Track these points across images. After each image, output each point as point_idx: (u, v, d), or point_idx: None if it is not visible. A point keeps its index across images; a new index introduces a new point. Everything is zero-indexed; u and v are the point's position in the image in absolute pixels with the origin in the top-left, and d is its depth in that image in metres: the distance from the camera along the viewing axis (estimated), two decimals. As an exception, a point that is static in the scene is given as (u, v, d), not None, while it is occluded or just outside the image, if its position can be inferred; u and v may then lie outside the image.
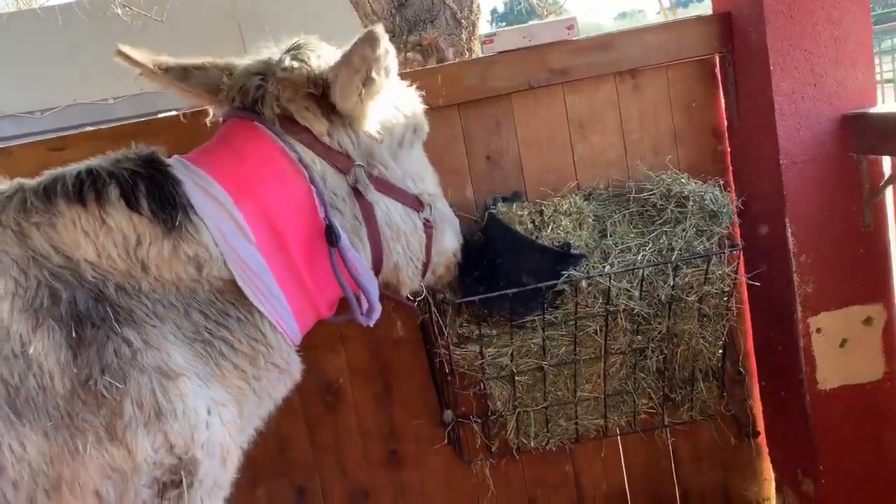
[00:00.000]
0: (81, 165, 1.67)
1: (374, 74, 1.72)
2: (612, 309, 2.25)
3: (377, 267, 1.94)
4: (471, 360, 2.32)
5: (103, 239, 1.58)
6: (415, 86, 2.08)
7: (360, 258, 1.84)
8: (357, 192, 1.84)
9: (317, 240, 1.76)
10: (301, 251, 1.76)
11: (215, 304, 1.68)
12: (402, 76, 2.50)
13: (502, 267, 2.19)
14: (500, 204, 2.35)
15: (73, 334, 1.48)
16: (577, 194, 2.43)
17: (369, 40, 1.66)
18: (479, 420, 2.51)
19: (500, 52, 2.45)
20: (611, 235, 2.35)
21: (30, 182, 1.64)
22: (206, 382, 1.63)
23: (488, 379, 2.35)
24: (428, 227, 2.03)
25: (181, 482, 1.55)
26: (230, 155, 1.78)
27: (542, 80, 2.47)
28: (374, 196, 1.87)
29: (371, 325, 1.93)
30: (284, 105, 1.79)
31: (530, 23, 3.01)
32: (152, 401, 1.51)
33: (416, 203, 1.99)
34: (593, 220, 2.36)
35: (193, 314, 1.65)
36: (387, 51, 1.72)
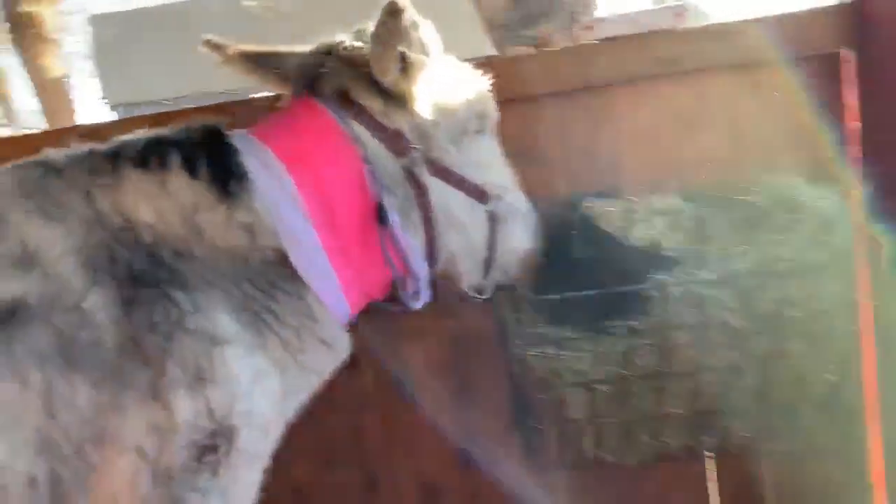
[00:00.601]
0: (150, 133, 1.72)
1: (405, 48, 1.69)
2: (705, 320, 2.07)
3: (431, 253, 1.89)
4: (546, 363, 2.19)
5: (162, 203, 1.62)
6: (490, 74, 1.98)
7: (410, 241, 1.81)
8: (412, 176, 1.80)
9: (368, 218, 1.75)
10: (352, 228, 1.76)
11: (265, 275, 1.68)
12: (495, 62, 2.41)
13: (585, 266, 2.06)
14: (589, 199, 2.21)
15: (127, 293, 1.52)
16: (676, 194, 2.24)
17: (390, 11, 1.63)
18: (553, 427, 2.37)
19: (601, 40, 2.31)
20: (712, 241, 2.16)
21: (101, 146, 1.69)
22: (250, 351, 1.63)
23: (565, 385, 2.21)
24: (492, 219, 1.95)
25: (219, 448, 1.55)
26: (288, 129, 1.81)
27: (646, 71, 2.30)
28: (429, 181, 1.83)
29: (417, 308, 1.90)
30: (343, 84, 1.80)
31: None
32: (195, 364, 1.53)
33: (478, 193, 1.92)
34: (692, 223, 2.17)
35: (243, 283, 1.66)
36: (414, 23, 1.70)
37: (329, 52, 1.83)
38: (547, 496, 2.55)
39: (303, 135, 1.79)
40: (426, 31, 1.77)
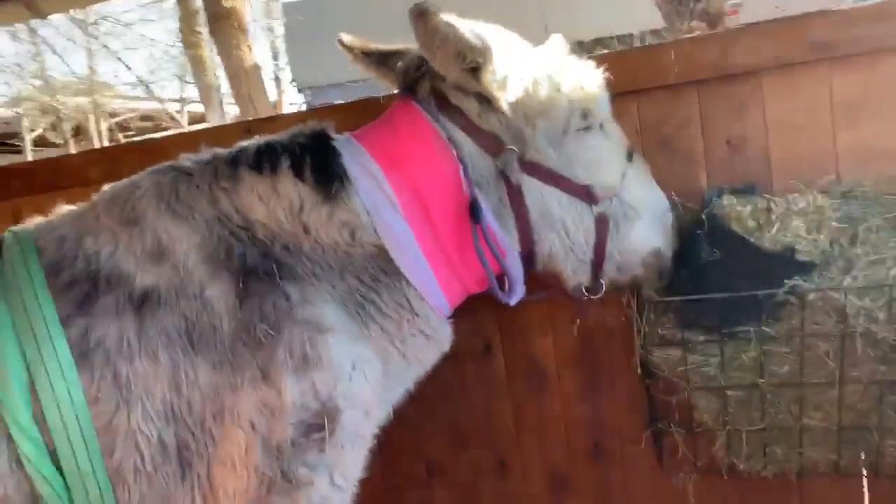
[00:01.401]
0: (264, 139, 1.89)
1: (454, 50, 1.73)
2: (848, 330, 1.90)
3: (527, 252, 1.92)
4: (672, 366, 2.12)
5: (274, 203, 1.77)
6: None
7: (504, 238, 1.85)
8: (505, 176, 1.83)
9: (463, 216, 1.81)
10: (447, 225, 1.82)
11: (368, 270, 1.81)
12: (629, 54, 2.33)
13: (714, 268, 1.96)
14: (725, 196, 2.09)
15: (241, 285, 1.68)
16: (819, 191, 2.06)
17: (416, 17, 1.71)
18: (681, 430, 2.29)
19: (747, 24, 2.15)
20: (862, 243, 1.97)
21: (222, 152, 1.88)
22: (353, 340, 1.76)
23: (693, 389, 2.13)
24: (602, 221, 1.92)
25: (324, 426, 1.68)
26: (387, 130, 1.90)
27: (797, 57, 2.12)
28: (524, 181, 1.86)
29: (511, 304, 1.93)
30: (439, 86, 1.87)
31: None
32: (302, 350, 1.66)
33: (583, 194, 1.90)
34: (840, 224, 1.99)
35: (348, 277, 1.79)
36: (448, 23, 1.70)
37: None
38: (676, 498, 2.48)
39: (399, 137, 1.87)
40: (468, 29, 1.74)
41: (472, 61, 1.76)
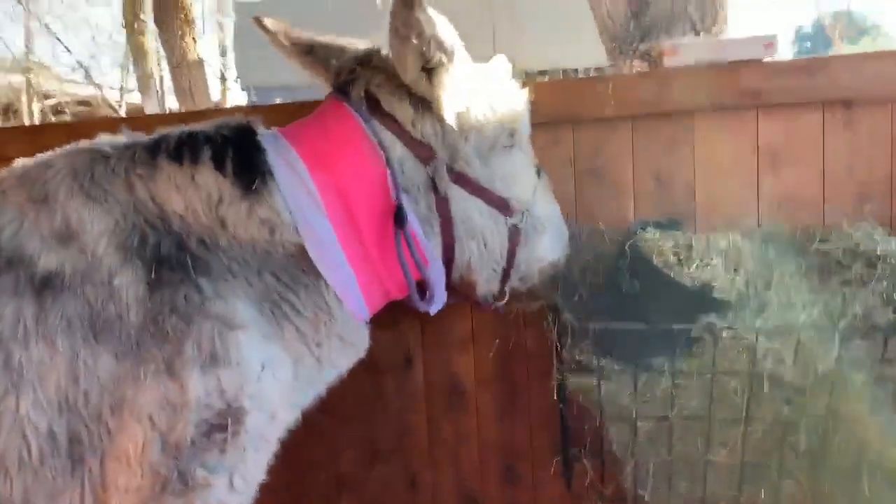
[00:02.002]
0: (187, 128, 1.82)
1: (423, 46, 1.72)
2: (757, 370, 1.96)
3: (448, 260, 1.93)
4: (587, 392, 2.14)
5: (191, 194, 1.70)
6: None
7: (427, 245, 1.86)
8: (434, 184, 1.84)
9: (388, 221, 1.79)
10: (371, 229, 1.80)
11: (287, 269, 1.76)
12: (567, 83, 2.37)
13: (633, 299, 1.99)
14: (649, 229, 2.13)
15: (153, 274, 1.61)
16: (740, 233, 2.13)
17: (403, 2, 1.67)
18: (591, 458, 2.31)
19: (684, 66, 2.22)
20: (776, 287, 2.03)
21: (143, 138, 1.81)
22: (265, 339, 1.71)
23: (604, 417, 2.16)
24: (514, 232, 1.98)
25: (227, 427, 1.62)
26: (316, 129, 1.88)
27: (728, 102, 2.20)
28: (451, 190, 1.88)
29: (431, 313, 1.96)
30: (373, 90, 1.86)
31: (722, 37, 2.69)
32: (210, 346, 1.60)
33: (503, 206, 1.95)
34: (757, 266, 2.06)
35: (266, 275, 1.73)
36: (429, 18, 1.70)
37: (364, 58, 1.90)
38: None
39: (328, 137, 1.84)
40: (445, 28, 1.75)
41: (438, 60, 1.76)
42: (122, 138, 1.83)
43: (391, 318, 2.03)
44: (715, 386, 2.02)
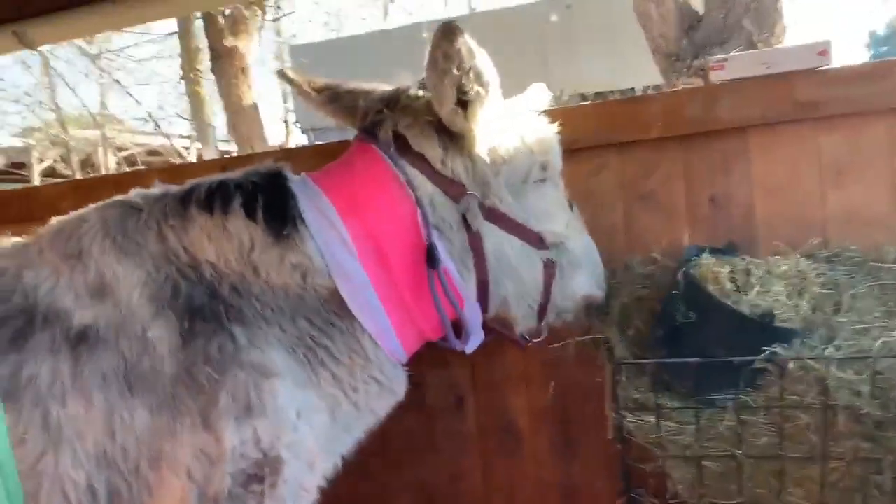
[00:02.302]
0: (218, 177, 1.83)
1: (463, 77, 1.68)
2: (830, 403, 1.79)
3: (483, 297, 1.90)
4: (646, 432, 2.01)
5: (223, 243, 1.71)
6: (557, 122, 1.96)
7: (462, 284, 1.82)
8: (467, 221, 1.81)
9: (421, 262, 1.76)
10: (404, 271, 1.78)
11: (321, 314, 1.74)
12: (613, 105, 2.28)
13: (689, 330, 1.86)
14: (704, 255, 2.00)
15: (186, 325, 1.61)
16: (804, 254, 1.98)
17: (445, 32, 1.64)
18: (655, 501, 2.17)
19: (733, 80, 2.10)
20: (846, 311, 1.87)
21: (175, 188, 1.82)
22: (300, 386, 1.69)
23: (667, 457, 2.01)
24: (549, 266, 1.94)
25: (265, 478, 1.60)
26: (345, 173, 1.86)
27: (783, 115, 2.06)
28: (484, 227, 1.84)
29: (467, 352, 1.90)
30: (401, 131, 1.84)
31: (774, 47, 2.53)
32: (245, 396, 1.59)
33: (537, 241, 1.91)
34: (824, 289, 1.90)
35: (300, 320, 1.72)
36: (470, 50, 1.66)
37: (391, 100, 1.87)
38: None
39: (357, 180, 1.83)
40: (484, 62, 1.71)
41: (476, 93, 1.72)
42: (154, 190, 1.84)
43: (441, 358, 1.98)
44: (785, 421, 1.86)
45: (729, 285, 1.88)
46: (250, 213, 1.73)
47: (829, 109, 2.04)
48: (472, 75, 1.69)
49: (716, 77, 2.11)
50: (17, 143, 17.52)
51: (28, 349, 1.57)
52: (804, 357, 1.77)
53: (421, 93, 1.85)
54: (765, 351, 1.79)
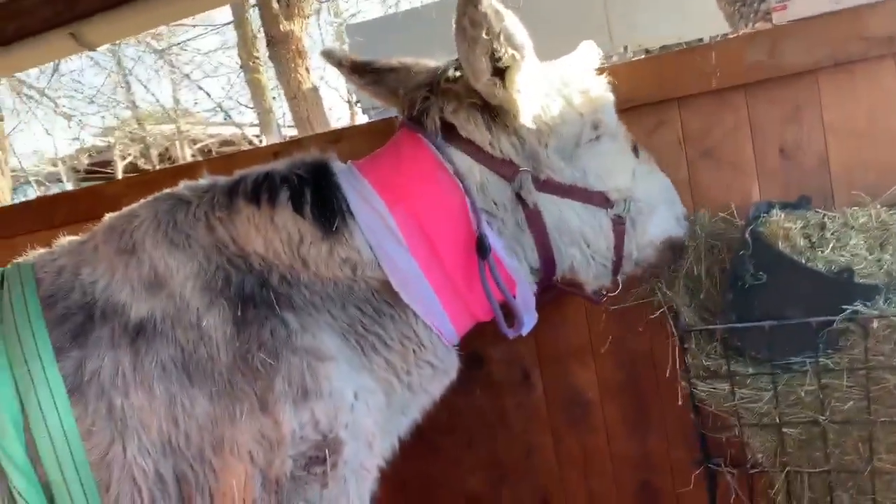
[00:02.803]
0: (264, 168, 1.83)
1: (494, 43, 1.62)
2: (922, 362, 1.66)
3: (548, 270, 1.89)
4: (720, 400, 1.91)
5: (271, 235, 1.71)
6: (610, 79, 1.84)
7: (516, 269, 1.79)
8: (521, 199, 1.77)
9: (471, 248, 1.74)
10: (454, 258, 1.76)
11: (371, 302, 1.75)
12: (664, 58, 2.16)
13: (760, 292, 1.75)
14: (774, 211, 1.87)
15: (239, 313, 1.63)
16: (885, 204, 1.82)
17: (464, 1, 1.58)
18: (733, 471, 2.07)
19: (796, 20, 1.94)
20: (934, 262, 1.72)
21: (222, 180, 1.83)
22: (355, 369, 1.70)
23: (744, 425, 1.91)
24: (618, 224, 1.87)
25: (326, 459, 1.62)
26: (392, 163, 1.84)
27: (856, 54, 1.90)
28: (540, 199, 1.80)
29: (523, 334, 1.87)
30: (447, 117, 1.80)
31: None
32: (300, 379, 1.61)
33: (601, 201, 1.84)
34: (909, 240, 1.75)
35: (350, 308, 1.73)
36: (497, 12, 1.59)
37: (432, 84, 1.82)
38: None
39: (404, 170, 1.81)
40: (514, 23, 1.64)
41: (510, 57, 1.66)
42: (202, 182, 1.86)
43: (503, 334, 1.91)
44: (872, 383, 1.73)
45: (802, 242, 1.75)
46: (297, 208, 1.74)
47: (908, 43, 1.86)
48: (502, 38, 1.63)
49: (779, 18, 1.96)
50: (99, 142, 18.25)
51: (89, 344, 1.62)
52: (889, 314, 1.64)
53: (458, 73, 1.79)
54: (845, 310, 1.66)
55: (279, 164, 1.85)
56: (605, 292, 2.04)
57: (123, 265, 1.71)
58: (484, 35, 1.62)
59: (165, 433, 1.59)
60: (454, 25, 1.65)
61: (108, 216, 1.85)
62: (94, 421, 1.57)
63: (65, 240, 1.87)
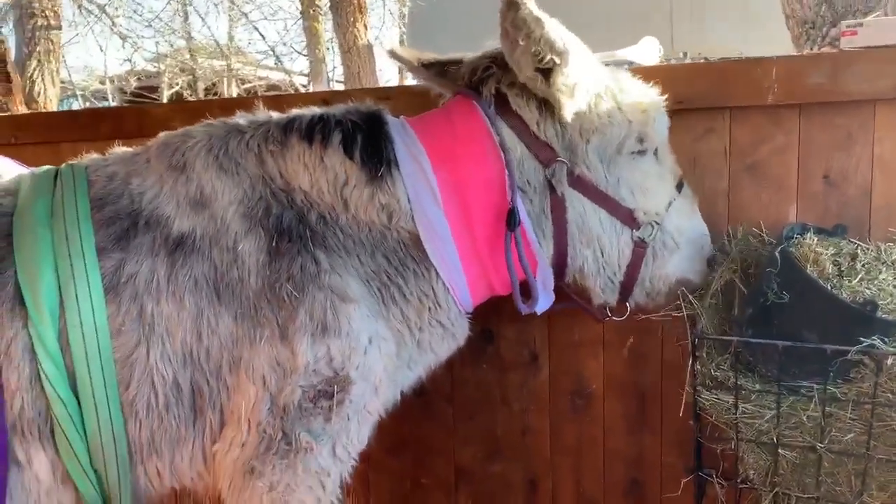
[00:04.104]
0: (320, 110, 1.90)
1: (534, 46, 1.67)
2: (929, 407, 1.66)
3: (560, 264, 1.92)
4: (721, 411, 1.92)
5: (318, 174, 1.79)
6: (665, 79, 1.87)
7: (538, 248, 1.83)
8: (552, 186, 1.81)
9: (501, 221, 1.78)
10: (484, 226, 1.81)
11: (398, 254, 1.81)
12: (725, 65, 2.15)
13: (781, 311, 1.75)
14: (808, 234, 1.86)
15: (273, 243, 1.71)
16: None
17: (509, 4, 1.65)
18: (723, 484, 2.08)
19: (865, 48, 1.92)
20: (962, 310, 1.71)
21: (277, 116, 1.90)
22: (373, 315, 1.76)
23: (742, 440, 1.93)
24: (639, 247, 1.89)
25: (333, 395, 1.69)
26: (443, 125, 1.89)
27: (921, 89, 1.88)
28: (568, 193, 1.85)
29: (537, 312, 1.91)
30: (503, 89, 1.86)
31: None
32: (322, 315, 1.68)
33: (627, 217, 1.87)
34: (939, 284, 1.74)
35: (378, 256, 1.80)
36: (537, 18, 1.64)
37: (497, 57, 1.86)
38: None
39: (454, 132, 1.85)
40: (555, 29, 1.69)
41: (550, 61, 1.72)
42: (259, 115, 1.93)
43: (519, 315, 1.94)
44: (875, 419, 1.74)
45: (831, 268, 1.75)
46: (348, 150, 1.79)
47: (974, 87, 1.84)
48: (542, 43, 1.68)
49: (847, 43, 1.94)
50: (150, 67, 18.40)
51: (131, 248, 1.70)
52: (907, 354, 1.63)
53: None
54: (862, 342, 1.67)
55: (334, 109, 1.90)
56: (610, 312, 2.06)
57: (173, 181, 1.78)
58: (522, 40, 1.68)
59: (188, 344, 1.68)
60: (500, 26, 1.72)
61: (162, 134, 1.91)
62: (124, 321, 1.66)
63: (119, 149, 1.95)
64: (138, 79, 17.94)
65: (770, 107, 2.05)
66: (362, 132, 1.83)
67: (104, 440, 1.64)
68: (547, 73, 1.74)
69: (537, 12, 1.66)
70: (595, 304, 2.03)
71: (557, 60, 1.71)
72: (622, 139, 1.86)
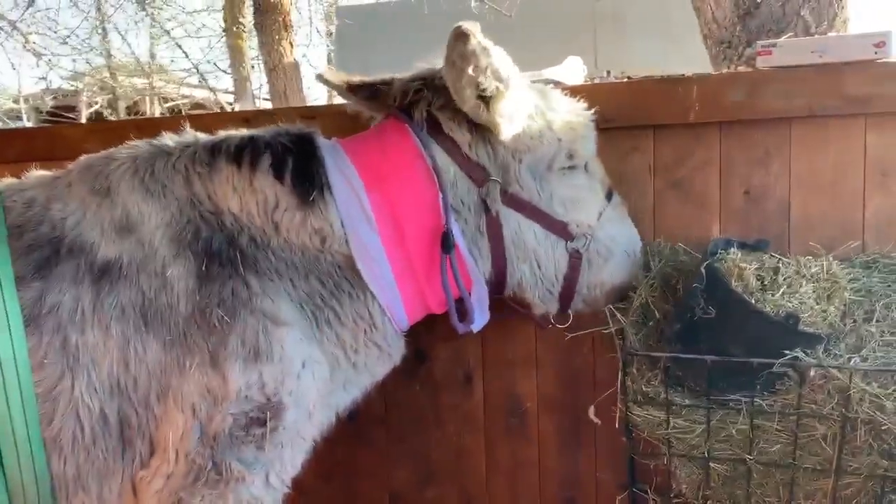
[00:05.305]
0: (248, 133, 1.87)
1: (479, 77, 1.69)
2: (850, 416, 1.70)
3: (499, 280, 1.94)
4: (653, 427, 1.93)
5: (248, 197, 1.76)
6: (590, 99, 1.93)
7: (474, 269, 1.87)
8: (486, 206, 1.83)
9: (437, 242, 1.80)
10: (419, 247, 1.81)
11: (332, 277, 1.79)
12: (650, 84, 2.18)
13: (707, 326, 1.77)
14: (732, 250, 1.90)
15: (203, 267, 1.67)
16: (838, 258, 1.87)
17: (457, 35, 1.66)
18: (657, 499, 2.10)
19: (779, 68, 1.98)
20: (878, 321, 1.77)
21: (205, 138, 1.87)
22: (307, 339, 1.73)
23: (673, 455, 1.94)
24: (574, 257, 1.92)
25: (266, 422, 1.65)
26: (376, 147, 1.91)
27: (831, 109, 1.94)
28: (503, 211, 1.87)
29: (473, 331, 1.92)
30: (434, 112, 1.87)
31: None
32: (254, 340, 1.64)
33: (561, 230, 1.90)
34: (856, 296, 1.80)
35: (312, 279, 1.77)
36: (485, 48, 1.67)
37: (427, 79, 1.88)
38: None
39: (386, 155, 1.86)
40: (500, 58, 1.73)
41: (494, 89, 1.74)
42: (185, 136, 1.89)
43: (452, 333, 1.95)
44: (800, 430, 1.78)
45: (754, 282, 1.78)
46: (278, 173, 1.77)
47: (881, 106, 1.92)
48: (488, 73, 1.71)
49: (763, 63, 2.00)
50: (67, 86, 17.75)
51: (52, 277, 1.64)
52: (827, 365, 1.68)
53: None
54: (786, 355, 1.70)
55: (264, 131, 1.88)
56: (552, 320, 2.10)
57: (96, 205, 1.73)
58: (471, 71, 1.70)
59: (115, 374, 1.62)
60: (444, 57, 1.74)
61: (84, 156, 1.85)
62: (46, 353, 1.60)
63: (36, 172, 1.87)
64: (55, 98, 17.28)
65: (692, 125, 2.10)
66: (293, 155, 1.81)
67: (25, 480, 1.57)
68: (488, 100, 1.76)
69: (485, 42, 1.69)
70: (537, 314, 2.06)
71: (502, 88, 1.73)
72: (553, 156, 1.89)
